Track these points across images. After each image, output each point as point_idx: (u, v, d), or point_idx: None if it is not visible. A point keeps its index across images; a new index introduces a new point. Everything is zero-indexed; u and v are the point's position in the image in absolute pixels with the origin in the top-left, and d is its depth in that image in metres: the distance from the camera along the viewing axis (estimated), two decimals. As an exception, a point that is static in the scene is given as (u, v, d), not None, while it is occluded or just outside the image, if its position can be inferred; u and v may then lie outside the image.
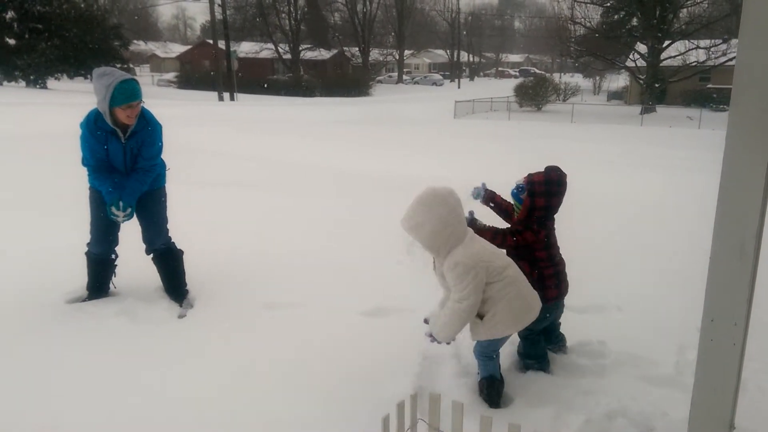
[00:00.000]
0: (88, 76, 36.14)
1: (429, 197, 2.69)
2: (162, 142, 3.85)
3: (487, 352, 2.92)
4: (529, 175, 3.06)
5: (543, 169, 3.04)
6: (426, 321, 2.98)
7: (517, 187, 3.12)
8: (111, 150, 3.68)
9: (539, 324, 3.12)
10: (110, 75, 3.51)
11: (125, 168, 3.77)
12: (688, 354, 3.35)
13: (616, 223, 6.55)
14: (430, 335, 2.88)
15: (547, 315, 3.11)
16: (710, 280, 1.91)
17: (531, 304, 2.84)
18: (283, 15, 58.54)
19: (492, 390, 2.91)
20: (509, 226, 3.22)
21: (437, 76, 73.39)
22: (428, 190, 2.72)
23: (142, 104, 3.63)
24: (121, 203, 3.66)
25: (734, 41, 33.31)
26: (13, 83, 34.25)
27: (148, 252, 4.04)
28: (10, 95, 25.57)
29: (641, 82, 37.63)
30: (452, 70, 77.59)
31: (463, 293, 2.67)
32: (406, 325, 3.69)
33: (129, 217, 3.73)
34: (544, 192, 2.99)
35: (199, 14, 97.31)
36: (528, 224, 3.04)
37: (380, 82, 64.98)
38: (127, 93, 3.50)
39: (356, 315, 3.93)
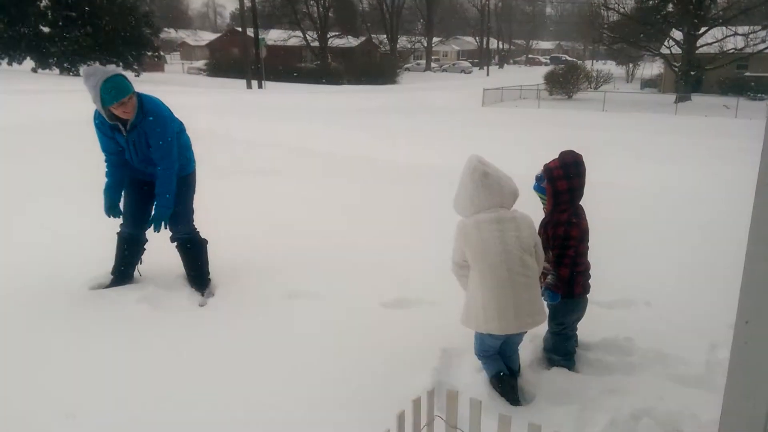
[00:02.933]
0: (120, 63, 36.78)
1: (466, 163, 2.85)
2: (172, 133, 3.71)
3: (480, 351, 2.93)
4: (545, 165, 3.01)
5: (557, 155, 2.99)
6: None
7: (537, 179, 3.08)
8: (119, 143, 3.71)
9: (570, 319, 3.08)
10: (94, 75, 3.42)
11: (134, 160, 3.79)
12: (719, 353, 3.23)
13: (647, 216, 6.38)
14: None
15: (577, 309, 3.08)
16: (745, 280, 1.80)
17: (495, 316, 2.72)
18: (312, 2, 58.50)
19: (503, 386, 2.83)
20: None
21: (466, 64, 72.71)
22: (471, 156, 2.86)
23: (134, 96, 3.52)
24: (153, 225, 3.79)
25: (774, 27, 32.31)
26: (47, 70, 34.92)
27: (172, 240, 4.07)
28: (48, 83, 26.08)
29: (676, 69, 36.61)
30: (481, 58, 76.72)
31: (452, 253, 2.90)
32: (427, 317, 3.65)
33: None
34: (563, 175, 2.93)
35: (228, 2, 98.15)
36: (567, 218, 2.94)
37: (408, 69, 64.55)
38: (112, 92, 3.41)
39: (377, 306, 3.90)
